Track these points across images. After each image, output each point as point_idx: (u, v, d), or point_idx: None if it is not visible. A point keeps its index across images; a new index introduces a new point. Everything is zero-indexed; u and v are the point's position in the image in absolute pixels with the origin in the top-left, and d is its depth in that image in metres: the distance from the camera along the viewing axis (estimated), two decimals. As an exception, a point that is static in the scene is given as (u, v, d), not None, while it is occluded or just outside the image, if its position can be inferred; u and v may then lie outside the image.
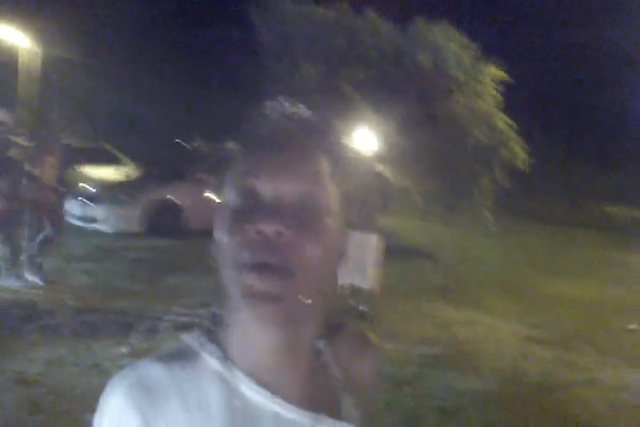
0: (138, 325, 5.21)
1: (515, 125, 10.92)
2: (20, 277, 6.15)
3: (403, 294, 7.12)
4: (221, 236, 0.68)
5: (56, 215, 6.52)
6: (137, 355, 4.37)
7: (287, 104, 0.75)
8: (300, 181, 0.68)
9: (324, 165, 0.71)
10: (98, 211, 9.37)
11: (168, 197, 9.96)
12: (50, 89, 18.30)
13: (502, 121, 10.80)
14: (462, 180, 10.74)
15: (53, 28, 17.09)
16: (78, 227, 9.29)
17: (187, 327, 4.79)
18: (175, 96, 21.48)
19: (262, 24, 10.96)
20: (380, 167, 6.79)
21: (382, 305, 6.43)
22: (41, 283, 6.16)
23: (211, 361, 0.72)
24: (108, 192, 9.92)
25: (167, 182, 10.22)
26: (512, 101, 11.57)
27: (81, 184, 10.10)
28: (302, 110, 0.76)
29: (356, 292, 6.15)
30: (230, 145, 0.80)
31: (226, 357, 0.72)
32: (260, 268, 0.64)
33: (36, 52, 17.18)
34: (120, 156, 15.78)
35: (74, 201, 9.29)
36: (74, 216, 9.39)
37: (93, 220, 9.39)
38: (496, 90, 10.95)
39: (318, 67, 10.53)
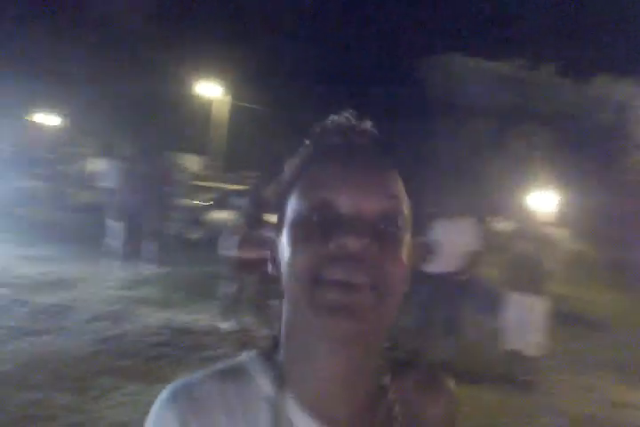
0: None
1: None
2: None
3: (570, 366, 6.51)
4: (291, 251, 0.64)
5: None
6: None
7: (354, 119, 0.72)
8: (379, 199, 0.65)
9: (399, 182, 0.70)
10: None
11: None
12: (237, 135, 19.98)
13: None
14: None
15: (242, 81, 18.81)
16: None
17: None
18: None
19: (430, 79, 11.08)
20: (550, 229, 6.40)
21: (546, 376, 5.95)
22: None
23: (263, 384, 0.68)
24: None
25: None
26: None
27: None
28: (370, 126, 0.73)
29: (517, 358, 5.77)
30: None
31: (280, 381, 0.68)
32: (343, 283, 0.60)
33: (227, 102, 18.94)
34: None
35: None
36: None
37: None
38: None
39: (488, 122, 10.35)
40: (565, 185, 9.51)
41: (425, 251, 6.24)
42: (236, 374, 0.69)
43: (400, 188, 0.69)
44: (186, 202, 14.73)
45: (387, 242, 0.63)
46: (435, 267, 6.03)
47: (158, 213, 8.17)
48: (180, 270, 8.45)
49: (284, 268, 0.66)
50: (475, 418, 4.73)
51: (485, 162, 10.20)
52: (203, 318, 6.37)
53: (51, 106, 20.26)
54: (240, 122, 19.95)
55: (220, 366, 0.71)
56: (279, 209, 0.71)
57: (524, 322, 5.66)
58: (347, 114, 0.72)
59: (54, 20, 16.02)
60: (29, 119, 20.50)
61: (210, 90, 19.91)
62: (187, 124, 19.41)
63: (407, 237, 0.67)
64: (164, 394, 0.67)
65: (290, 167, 0.73)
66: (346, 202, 0.64)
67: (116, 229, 7.81)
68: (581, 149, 10.13)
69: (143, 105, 17.86)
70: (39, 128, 20.98)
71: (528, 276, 5.67)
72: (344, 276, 0.60)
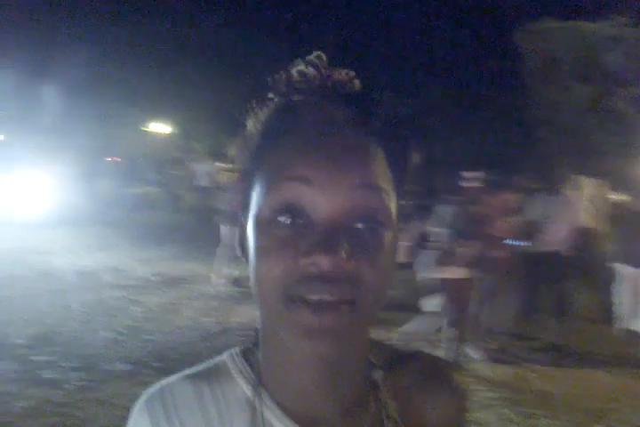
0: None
1: None
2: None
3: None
4: (258, 259, 0.57)
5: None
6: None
7: (327, 67, 0.60)
8: (354, 194, 0.55)
9: (379, 162, 0.58)
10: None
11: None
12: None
13: None
14: None
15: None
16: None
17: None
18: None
19: (527, 47, 10.51)
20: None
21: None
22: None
23: (241, 385, 0.64)
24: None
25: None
26: None
27: None
28: (348, 77, 0.60)
29: (633, 337, 5.42)
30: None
31: (259, 381, 0.64)
32: (317, 303, 0.53)
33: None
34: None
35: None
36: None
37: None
38: None
39: (591, 86, 9.69)
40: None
41: (529, 229, 5.97)
42: (213, 374, 0.66)
43: (380, 171, 0.58)
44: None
45: (364, 247, 0.55)
46: (540, 245, 5.76)
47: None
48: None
49: (251, 268, 0.59)
50: (587, 401, 4.51)
51: (593, 131, 9.58)
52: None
53: (163, 115, 21.42)
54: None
55: (199, 366, 0.68)
56: (244, 185, 0.63)
57: (634, 299, 5.31)
58: (316, 58, 0.60)
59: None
60: (144, 129, 21.77)
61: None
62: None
63: (390, 231, 0.58)
64: (141, 398, 0.66)
65: (251, 134, 0.63)
66: (315, 205, 0.55)
67: (226, 232, 8.07)
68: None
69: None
70: (152, 137, 22.26)
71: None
72: (317, 295, 0.53)
